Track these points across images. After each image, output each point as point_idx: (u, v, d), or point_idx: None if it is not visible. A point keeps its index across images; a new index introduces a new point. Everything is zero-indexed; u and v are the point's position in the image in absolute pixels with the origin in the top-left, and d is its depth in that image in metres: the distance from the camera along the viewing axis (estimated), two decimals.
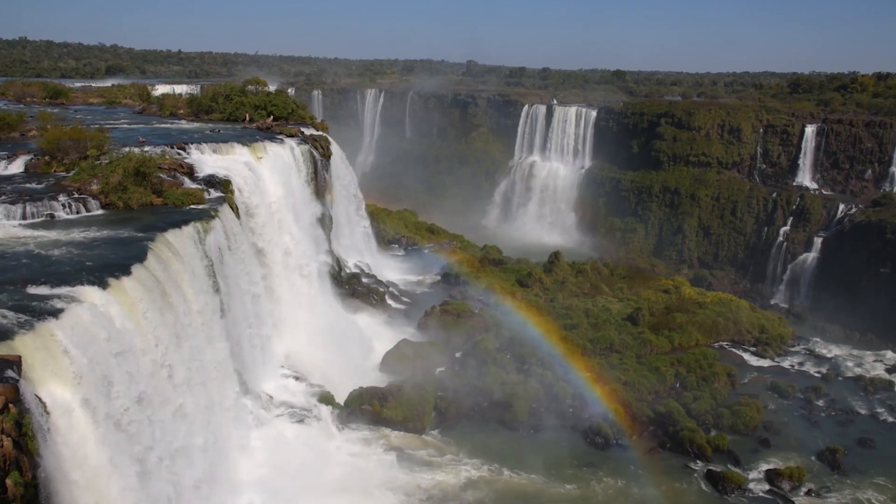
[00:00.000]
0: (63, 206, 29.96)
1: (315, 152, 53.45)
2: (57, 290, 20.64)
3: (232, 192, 38.30)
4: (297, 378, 41.24)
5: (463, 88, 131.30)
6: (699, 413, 42.85)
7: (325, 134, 60.35)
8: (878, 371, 53.49)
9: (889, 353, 57.26)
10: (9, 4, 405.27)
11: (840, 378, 51.69)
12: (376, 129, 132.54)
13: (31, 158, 36.64)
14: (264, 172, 44.04)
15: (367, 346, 49.49)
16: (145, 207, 32.20)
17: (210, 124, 55.69)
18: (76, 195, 31.21)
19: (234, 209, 37.31)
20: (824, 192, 78.74)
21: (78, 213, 30.17)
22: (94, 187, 31.94)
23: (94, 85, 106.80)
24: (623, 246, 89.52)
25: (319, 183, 53.97)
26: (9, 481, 14.93)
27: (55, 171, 35.34)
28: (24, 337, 17.56)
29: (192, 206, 33.42)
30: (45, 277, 21.59)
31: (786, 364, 53.84)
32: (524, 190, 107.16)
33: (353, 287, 57.12)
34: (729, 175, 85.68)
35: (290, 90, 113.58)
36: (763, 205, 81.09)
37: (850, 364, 54.58)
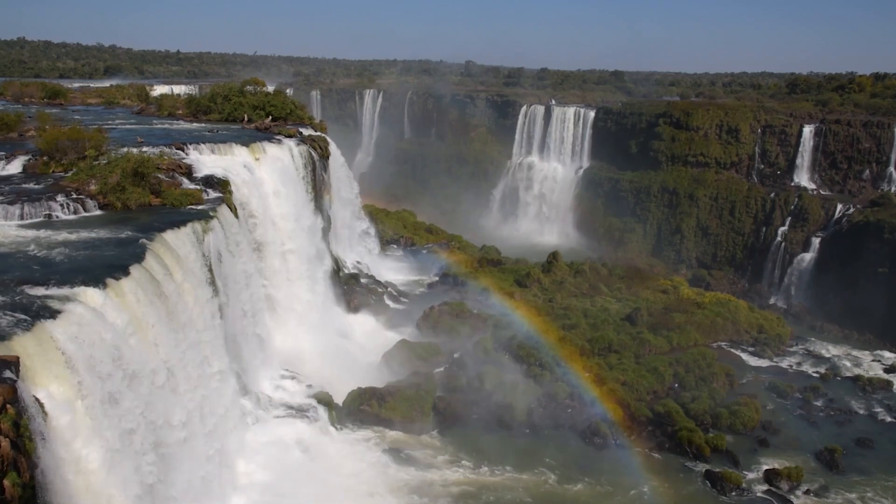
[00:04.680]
0: (61, 206, 29.91)
1: (313, 153, 53.43)
2: (55, 291, 20.62)
3: (230, 192, 38.30)
4: (295, 378, 41.19)
5: (461, 88, 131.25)
6: (698, 413, 42.85)
7: (323, 134, 60.34)
8: (877, 371, 53.62)
9: (887, 353, 57.40)
10: (7, 4, 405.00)
11: (838, 378, 51.77)
12: (375, 130, 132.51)
13: (30, 159, 36.60)
14: (263, 173, 44.05)
15: (365, 346, 49.47)
16: (143, 208, 32.16)
17: (208, 125, 55.65)
18: (74, 195, 31.16)
19: (233, 209, 37.29)
20: (822, 193, 78.79)
21: (76, 213, 30.13)
22: (93, 188, 31.90)
23: (92, 85, 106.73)
24: (621, 246, 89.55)
25: (318, 183, 53.95)
26: (6, 482, 14.92)
27: (53, 172, 35.27)
28: (21, 337, 17.52)
29: (191, 207, 33.40)
30: (42, 278, 21.57)
31: (784, 364, 53.91)
32: (523, 190, 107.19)
33: (352, 287, 57.11)
34: (727, 175, 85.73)
35: (288, 90, 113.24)
36: (761, 205, 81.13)
37: (848, 364, 54.71)
